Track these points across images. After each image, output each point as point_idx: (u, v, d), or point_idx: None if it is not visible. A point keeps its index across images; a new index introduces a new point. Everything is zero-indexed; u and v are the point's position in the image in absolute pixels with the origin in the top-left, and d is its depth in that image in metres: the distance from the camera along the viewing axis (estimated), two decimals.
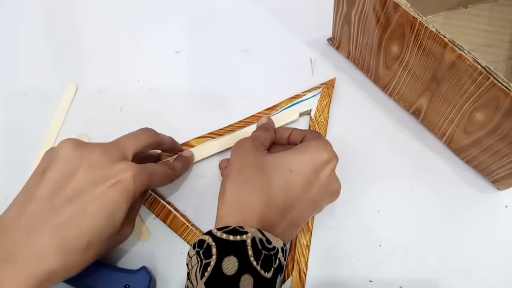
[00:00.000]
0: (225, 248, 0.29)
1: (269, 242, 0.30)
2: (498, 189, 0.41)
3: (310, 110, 0.45)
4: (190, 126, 0.45)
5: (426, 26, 0.32)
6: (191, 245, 0.32)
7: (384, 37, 0.38)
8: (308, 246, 0.39)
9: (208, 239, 0.30)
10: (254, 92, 0.47)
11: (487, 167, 0.39)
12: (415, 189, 0.41)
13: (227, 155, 0.43)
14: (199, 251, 0.30)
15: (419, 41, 0.34)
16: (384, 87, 0.45)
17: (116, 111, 0.47)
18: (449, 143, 0.42)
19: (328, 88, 0.46)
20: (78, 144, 0.33)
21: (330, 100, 0.45)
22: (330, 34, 0.48)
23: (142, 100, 0.48)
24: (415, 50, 0.35)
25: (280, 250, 0.31)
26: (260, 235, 0.30)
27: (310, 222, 0.40)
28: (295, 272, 0.38)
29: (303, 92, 0.46)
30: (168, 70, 0.49)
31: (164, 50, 0.50)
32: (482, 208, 0.40)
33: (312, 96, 0.45)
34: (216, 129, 0.44)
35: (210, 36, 0.50)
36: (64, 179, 0.31)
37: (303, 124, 0.45)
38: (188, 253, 0.31)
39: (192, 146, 0.43)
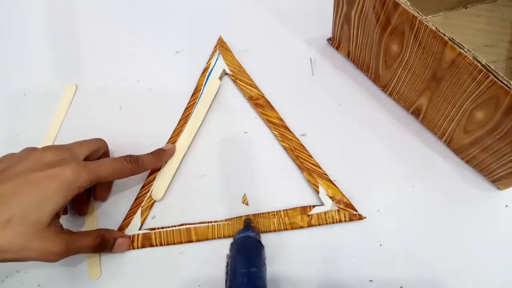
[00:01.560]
0: None
1: None
2: (498, 188, 0.41)
3: (224, 70, 0.48)
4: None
5: (426, 25, 0.32)
6: None
7: (384, 36, 0.38)
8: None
9: None
10: None
11: (487, 167, 0.39)
12: (415, 189, 0.41)
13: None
14: None
15: (419, 40, 0.34)
16: (384, 87, 0.45)
17: (116, 111, 0.47)
18: (449, 142, 0.42)
19: (222, 45, 0.49)
20: (35, 147, 0.37)
21: (231, 53, 0.49)
22: (330, 34, 0.48)
23: (142, 100, 0.48)
24: (415, 49, 0.35)
25: None
26: None
27: None
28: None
29: (206, 65, 0.48)
30: (168, 70, 0.49)
31: (164, 50, 0.50)
32: (482, 208, 0.40)
33: (216, 60, 0.48)
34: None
35: (210, 36, 0.50)
36: (10, 165, 0.33)
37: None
38: None
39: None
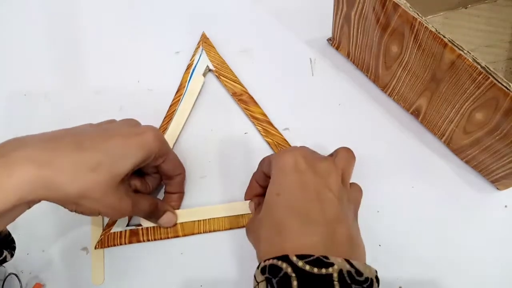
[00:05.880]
0: (308, 283, 0.25)
1: (360, 274, 0.26)
2: (497, 189, 0.41)
3: (207, 66, 0.47)
4: (189, 127, 0.45)
5: (425, 26, 0.32)
6: (258, 267, 0.28)
7: (383, 37, 0.38)
8: None
9: (286, 268, 0.26)
10: (254, 92, 0.47)
11: (486, 167, 0.39)
12: (415, 189, 0.41)
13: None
14: (270, 279, 0.26)
15: (419, 41, 0.34)
16: (383, 87, 0.45)
17: (116, 111, 0.47)
18: (448, 143, 0.42)
19: (205, 42, 0.49)
20: None
21: (215, 49, 0.48)
22: (330, 34, 0.48)
23: (142, 100, 0.48)
24: (415, 50, 0.35)
25: (374, 280, 0.27)
26: (348, 267, 0.26)
27: None
28: None
29: (190, 61, 0.48)
30: (168, 70, 0.49)
31: (164, 50, 0.50)
32: (481, 208, 0.40)
33: (200, 56, 0.48)
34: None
35: (210, 36, 0.50)
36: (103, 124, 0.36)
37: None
38: (254, 276, 0.28)
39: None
